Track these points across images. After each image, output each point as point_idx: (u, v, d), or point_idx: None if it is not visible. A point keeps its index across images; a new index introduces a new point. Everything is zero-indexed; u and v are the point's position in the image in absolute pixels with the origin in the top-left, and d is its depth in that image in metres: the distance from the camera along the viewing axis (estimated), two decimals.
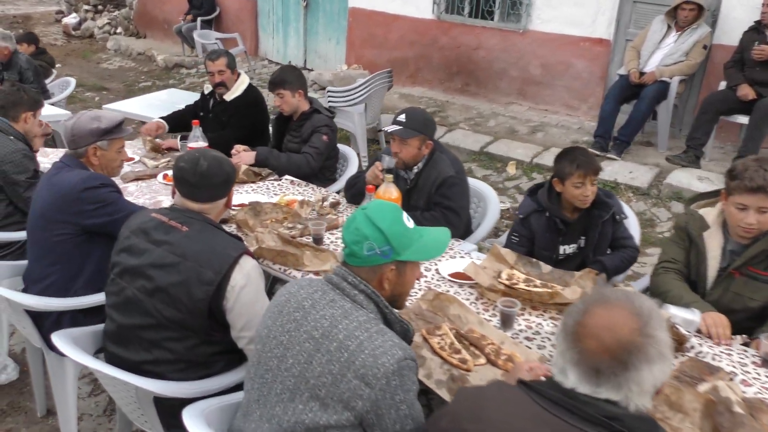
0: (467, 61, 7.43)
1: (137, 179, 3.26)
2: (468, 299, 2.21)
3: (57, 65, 10.23)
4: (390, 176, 2.56)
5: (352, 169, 3.70)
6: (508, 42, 6.98)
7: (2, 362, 2.91)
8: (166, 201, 2.98)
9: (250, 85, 4.01)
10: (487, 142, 6.06)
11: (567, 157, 2.54)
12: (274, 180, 3.32)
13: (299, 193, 3.16)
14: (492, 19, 7.09)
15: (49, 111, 5.05)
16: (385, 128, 2.82)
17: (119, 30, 13.85)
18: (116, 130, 2.50)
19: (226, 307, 1.88)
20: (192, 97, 5.75)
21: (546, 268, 2.35)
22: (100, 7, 15.34)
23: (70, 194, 2.33)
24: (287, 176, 3.35)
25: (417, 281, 1.72)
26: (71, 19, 15.64)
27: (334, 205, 2.90)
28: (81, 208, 2.33)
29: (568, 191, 2.55)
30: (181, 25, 10.63)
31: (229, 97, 3.94)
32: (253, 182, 3.25)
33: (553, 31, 6.54)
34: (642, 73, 5.37)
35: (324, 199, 2.91)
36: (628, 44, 6.00)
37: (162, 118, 4.10)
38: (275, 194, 3.12)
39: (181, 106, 5.25)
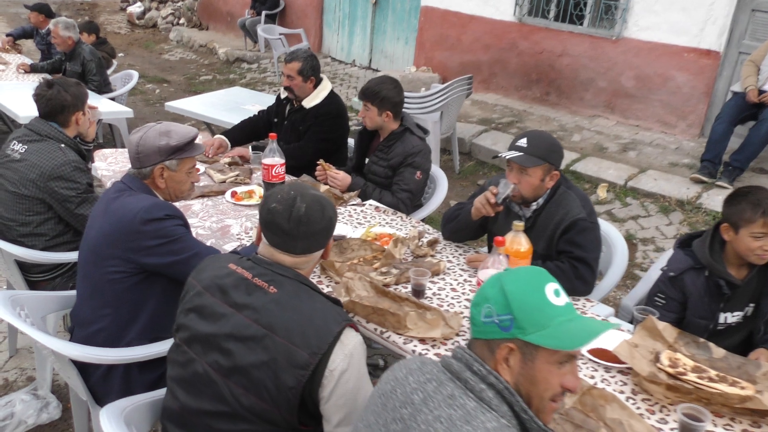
0: (549, 68, 6.86)
1: (202, 196, 2.88)
2: (622, 391, 1.71)
3: (119, 54, 10.12)
4: (521, 224, 2.06)
5: (441, 192, 3.23)
6: (598, 50, 6.38)
7: (44, 398, 2.57)
8: (235, 226, 2.58)
9: (332, 93, 3.56)
10: (573, 159, 5.49)
11: (749, 198, 2.02)
12: (356, 205, 2.87)
13: (387, 223, 2.71)
14: (581, 24, 6.50)
15: (109, 107, 4.76)
16: (502, 154, 2.34)
17: (182, 21, 13.75)
18: (187, 148, 2.10)
19: (322, 395, 1.44)
20: (255, 98, 5.40)
21: (718, 351, 1.83)
22: None
23: (129, 225, 1.94)
24: (371, 202, 2.90)
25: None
26: (136, 8, 15.67)
27: (432, 244, 2.44)
28: (141, 243, 1.94)
29: (743, 242, 2.03)
30: (245, 18, 10.36)
31: (308, 104, 3.51)
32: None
33: (651, 39, 5.92)
34: (762, 92, 4.72)
35: (420, 236, 2.45)
36: (742, 58, 5.34)
37: (227, 132, 3.69)
38: (359, 223, 2.68)
39: (247, 107, 4.91)
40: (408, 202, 3.00)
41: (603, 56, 6.35)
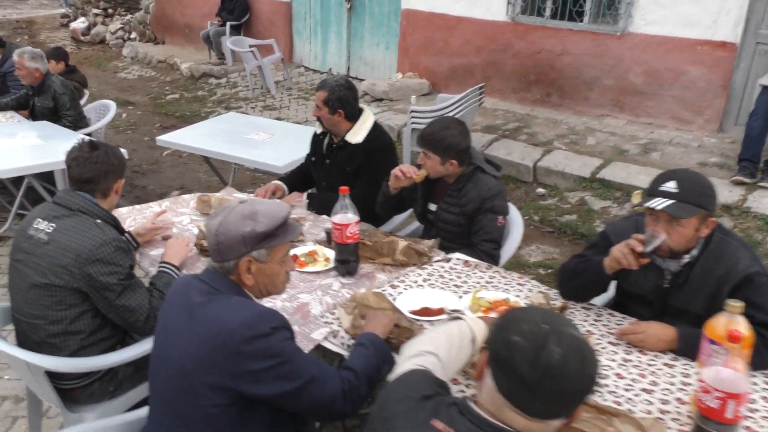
0: (548, 68, 6.58)
1: None
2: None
3: None
4: (738, 305, 1.61)
5: (516, 235, 2.84)
6: (602, 46, 6.12)
7: None
8: (314, 304, 2.13)
9: (376, 125, 3.13)
10: (597, 166, 5.21)
11: None
12: (442, 261, 2.46)
13: (488, 282, 2.30)
14: (581, 21, 6.23)
15: None
16: (649, 204, 1.96)
17: (133, 35, 12.95)
18: (279, 233, 1.65)
19: None
20: (254, 124, 4.89)
21: None
22: (110, 11, 14.45)
23: (227, 345, 1.48)
24: (458, 255, 2.49)
25: None
26: (80, 24, 14.74)
27: (563, 310, 2.06)
28: (244, 367, 1.48)
29: None
30: (209, 30, 9.75)
31: (352, 138, 3.06)
32: (415, 265, 2.40)
33: (660, 33, 5.69)
34: None
35: (548, 301, 2.06)
36: (760, 48, 5.16)
37: (283, 178, 3.29)
38: (456, 286, 2.27)
39: (252, 137, 4.42)
40: (494, 253, 2.60)
41: (607, 53, 6.10)
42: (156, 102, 8.97)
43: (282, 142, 4.30)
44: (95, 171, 2.19)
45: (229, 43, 8.73)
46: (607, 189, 4.97)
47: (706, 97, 5.58)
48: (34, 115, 5.02)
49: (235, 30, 9.66)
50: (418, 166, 2.68)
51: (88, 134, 4.95)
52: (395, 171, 2.68)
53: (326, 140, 3.23)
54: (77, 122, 4.99)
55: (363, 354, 1.71)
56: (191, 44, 11.24)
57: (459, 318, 1.65)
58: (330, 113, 3.10)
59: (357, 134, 3.07)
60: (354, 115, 3.11)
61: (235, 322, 1.51)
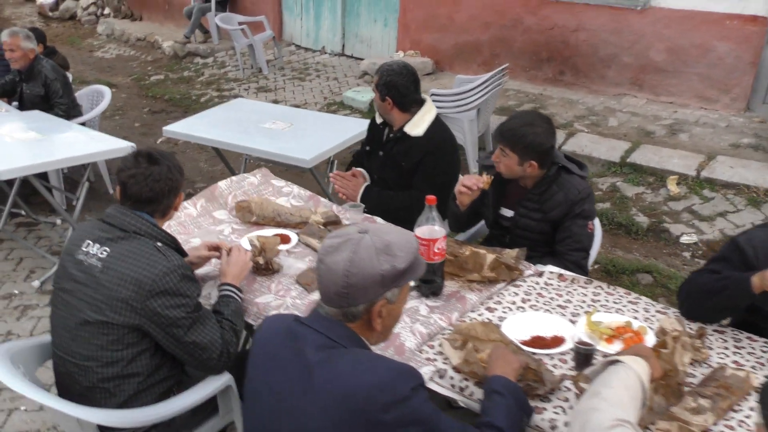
0: (562, 45, 6.30)
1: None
2: None
3: None
4: None
5: (597, 240, 2.58)
6: (621, 22, 5.86)
7: None
8: (407, 336, 1.85)
9: (437, 119, 2.81)
10: (626, 149, 4.98)
11: None
12: (534, 276, 2.18)
13: (594, 301, 2.05)
14: None
15: (105, 143, 3.77)
16: None
17: (107, 11, 12.25)
18: (415, 266, 1.36)
19: None
20: (265, 111, 4.50)
21: None
22: None
23: (362, 415, 1.20)
24: (551, 268, 2.21)
25: None
26: None
27: (702, 337, 1.81)
28: None
29: None
30: (192, 6, 9.20)
31: (411, 130, 2.75)
32: (505, 281, 2.12)
33: (685, 7, 5.44)
34: None
35: (702, 334, 1.80)
36: None
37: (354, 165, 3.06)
38: (559, 306, 2.01)
39: (267, 125, 4.05)
40: (584, 263, 2.34)
41: (627, 29, 5.84)
42: (140, 84, 8.45)
43: (304, 132, 3.95)
44: (157, 190, 1.85)
45: (217, 20, 8.23)
46: (639, 174, 4.75)
47: (734, 74, 5.37)
48: (22, 104, 4.57)
49: (221, 6, 9.13)
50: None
51: (82, 123, 4.53)
52: (458, 188, 2.37)
53: (386, 131, 2.91)
54: (70, 111, 4.56)
55: (503, 405, 1.44)
56: (171, 21, 10.65)
57: (618, 361, 1.39)
58: (380, 99, 2.81)
59: (417, 126, 2.76)
60: (405, 104, 2.80)
61: (368, 384, 1.22)
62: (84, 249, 1.82)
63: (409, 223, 2.56)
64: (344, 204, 2.64)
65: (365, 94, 6.62)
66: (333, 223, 2.50)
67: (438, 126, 2.79)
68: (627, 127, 5.41)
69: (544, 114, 2.51)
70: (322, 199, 2.72)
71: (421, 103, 2.81)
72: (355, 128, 3.96)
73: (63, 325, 1.85)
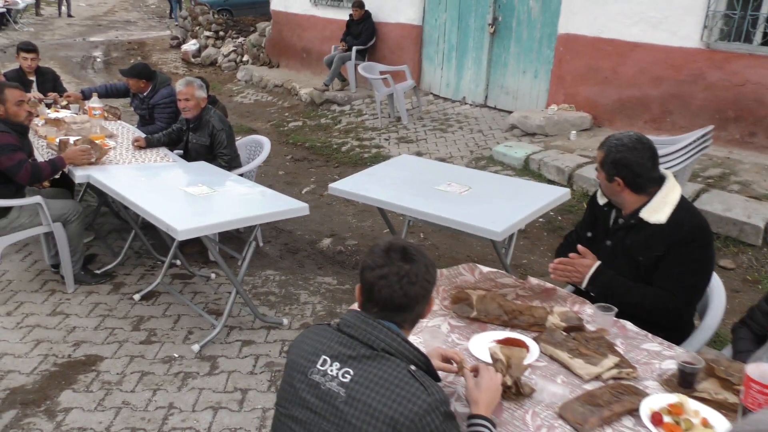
0: (755, 103, 5.54)
1: None
2: None
3: None
4: None
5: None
6: None
7: None
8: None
9: (683, 201, 2.25)
10: None
11: None
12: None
13: None
14: None
15: (281, 203, 3.51)
16: None
17: (246, 58, 12.75)
18: None
19: None
20: (433, 169, 4.11)
21: None
22: (221, 33, 14.41)
23: None
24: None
25: None
26: (191, 46, 14.79)
27: None
28: None
29: None
30: (333, 55, 9.25)
31: (650, 217, 2.22)
32: None
33: None
34: None
35: None
36: None
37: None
38: None
39: (442, 188, 3.66)
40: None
41: None
42: (279, 130, 8.49)
43: (486, 197, 3.52)
44: (412, 295, 1.46)
45: (360, 68, 8.14)
46: None
47: None
48: (187, 153, 4.49)
49: (360, 55, 9.12)
50: None
51: (241, 174, 4.38)
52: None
53: (613, 214, 2.40)
54: (232, 162, 4.43)
55: None
56: (308, 68, 10.84)
57: None
58: (607, 180, 2.30)
59: (657, 211, 2.22)
60: (640, 185, 2.27)
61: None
62: (320, 368, 1.44)
63: (648, 326, 2.04)
64: (593, 305, 2.12)
65: (518, 150, 6.16)
66: (575, 328, 2.00)
67: (685, 210, 2.23)
68: None
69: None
70: (559, 289, 2.22)
71: (660, 181, 2.28)
72: (545, 196, 3.49)
73: None
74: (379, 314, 1.48)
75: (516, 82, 7.71)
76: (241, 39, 13.55)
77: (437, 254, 4.61)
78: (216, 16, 15.84)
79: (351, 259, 4.57)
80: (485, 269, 2.26)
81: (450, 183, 3.77)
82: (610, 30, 6.46)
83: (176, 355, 3.30)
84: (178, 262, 4.21)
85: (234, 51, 13.22)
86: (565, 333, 1.96)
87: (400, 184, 3.82)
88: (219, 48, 13.97)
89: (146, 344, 3.39)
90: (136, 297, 3.85)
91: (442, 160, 6.52)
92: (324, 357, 1.45)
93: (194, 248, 4.36)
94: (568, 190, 3.62)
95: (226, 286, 4.09)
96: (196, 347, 3.33)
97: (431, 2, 8.60)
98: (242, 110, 9.79)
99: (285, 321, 3.63)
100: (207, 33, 14.50)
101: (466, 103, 8.36)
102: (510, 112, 7.63)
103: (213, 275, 4.20)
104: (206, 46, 14.30)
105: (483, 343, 1.93)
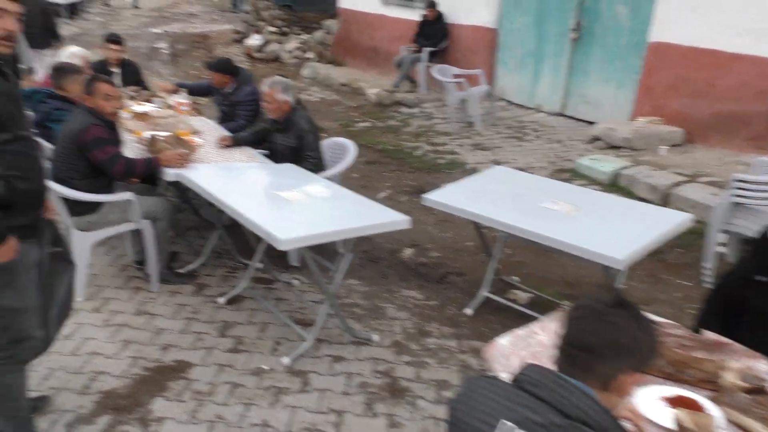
0: None
1: None
2: None
3: None
4: None
5: None
6: None
7: None
8: None
9: None
10: None
11: None
12: None
13: None
14: None
15: (364, 207, 3.33)
16: None
17: (309, 55, 12.69)
18: None
19: None
20: (550, 188, 3.83)
21: None
22: (285, 29, 14.40)
23: None
24: None
25: None
26: (254, 41, 14.83)
27: None
28: None
29: None
30: (404, 56, 9.07)
31: None
32: None
33: None
34: None
35: None
36: None
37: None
38: None
39: (546, 205, 3.43)
40: None
41: None
42: (347, 130, 8.34)
43: (599, 220, 3.27)
44: (610, 339, 1.25)
45: (434, 71, 7.93)
46: None
47: None
48: (273, 154, 4.37)
49: (431, 57, 8.92)
50: None
51: (328, 178, 4.23)
52: None
53: None
54: (318, 164, 4.29)
55: None
56: (374, 68, 10.69)
57: None
58: None
59: None
60: None
61: None
62: None
63: None
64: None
65: (605, 164, 5.85)
66: (759, 391, 1.75)
67: None
68: None
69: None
70: (734, 343, 1.96)
71: None
72: (665, 221, 3.22)
73: None
74: (568, 370, 1.27)
75: (598, 91, 7.38)
76: (305, 35, 13.50)
77: (525, 272, 4.37)
78: (278, 11, 15.88)
79: (434, 272, 4.38)
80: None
81: (555, 201, 3.53)
82: (709, 40, 6.08)
83: (266, 368, 3.16)
84: (260, 265, 4.09)
85: (298, 48, 13.18)
86: (747, 395, 1.72)
87: (500, 198, 3.61)
88: (282, 44, 13.96)
89: (234, 353, 3.27)
90: (221, 300, 3.74)
91: (522, 170, 6.26)
92: (507, 423, 1.25)
93: (276, 251, 4.23)
94: (689, 215, 3.34)
95: (310, 293, 3.95)
96: (286, 360, 3.19)
97: (508, 5, 8.33)
98: (309, 109, 9.68)
99: (375, 337, 3.46)
100: (270, 28, 14.52)
101: (541, 111, 8.06)
102: (590, 123, 7.30)
103: (296, 281, 4.06)
104: (269, 42, 14.32)
105: (651, 401, 1.70)
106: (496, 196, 3.65)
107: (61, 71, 4.00)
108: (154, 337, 3.35)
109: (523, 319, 3.78)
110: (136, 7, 22.61)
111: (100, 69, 5.41)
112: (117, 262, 4.17)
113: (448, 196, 3.66)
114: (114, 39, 5.38)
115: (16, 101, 2.04)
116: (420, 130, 7.96)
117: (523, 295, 4.03)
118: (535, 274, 4.36)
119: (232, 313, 3.66)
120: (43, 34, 7.80)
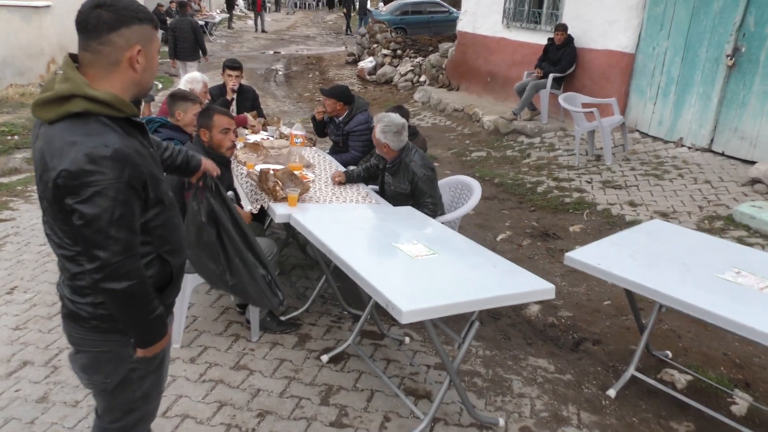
0: None
1: None
2: None
3: None
4: None
5: None
6: None
7: None
8: None
9: None
10: None
11: None
12: None
13: None
14: None
15: (499, 269, 2.79)
16: None
17: (422, 78, 12.37)
18: None
19: None
20: (713, 248, 3.11)
21: None
22: (399, 52, 14.21)
23: None
24: None
25: None
26: (367, 63, 14.78)
27: None
28: None
29: None
30: (526, 82, 8.45)
31: None
32: None
33: None
34: None
35: None
36: None
37: None
38: None
39: (725, 276, 2.73)
40: None
41: None
42: (461, 159, 7.85)
43: None
44: None
45: (561, 99, 7.26)
46: None
47: None
48: (383, 193, 3.96)
49: (556, 83, 8.24)
50: None
51: (447, 222, 3.74)
52: None
53: None
54: (436, 209, 3.82)
55: None
56: (490, 94, 10.14)
57: None
58: None
59: None
60: None
61: None
62: None
63: None
64: None
65: None
66: None
67: None
68: None
69: None
70: None
71: None
72: None
73: None
74: None
75: (757, 125, 6.39)
76: (419, 59, 13.22)
77: (680, 345, 3.64)
78: (393, 34, 15.75)
79: (567, 336, 3.75)
80: None
81: (739, 271, 2.82)
82: None
83: None
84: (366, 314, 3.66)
85: (411, 71, 12.91)
86: None
87: (661, 263, 2.94)
88: (396, 66, 13.77)
89: (338, 428, 2.83)
90: (324, 359, 3.34)
91: (663, 215, 5.46)
92: None
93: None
94: None
95: (422, 355, 3.46)
96: None
97: (650, 28, 7.50)
98: (422, 135, 9.30)
99: (501, 421, 2.90)
100: (385, 51, 14.39)
101: (683, 145, 7.14)
102: (744, 161, 6.34)
103: (407, 339, 3.59)
104: (383, 64, 14.18)
105: None
106: (656, 259, 2.99)
107: (175, 98, 3.81)
108: (250, 400, 2.99)
109: (680, 408, 3.08)
110: (264, 31, 23.46)
111: (219, 95, 5.29)
112: (218, 304, 3.90)
113: (596, 257, 3.03)
114: (232, 65, 5.24)
115: (159, 165, 1.77)
116: (541, 163, 7.30)
117: (679, 377, 3.32)
118: (692, 349, 3.62)
119: (336, 374, 3.24)
120: (193, 48, 9.94)
